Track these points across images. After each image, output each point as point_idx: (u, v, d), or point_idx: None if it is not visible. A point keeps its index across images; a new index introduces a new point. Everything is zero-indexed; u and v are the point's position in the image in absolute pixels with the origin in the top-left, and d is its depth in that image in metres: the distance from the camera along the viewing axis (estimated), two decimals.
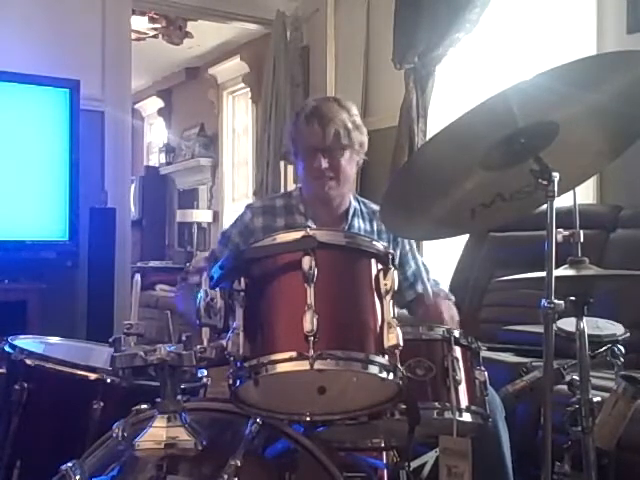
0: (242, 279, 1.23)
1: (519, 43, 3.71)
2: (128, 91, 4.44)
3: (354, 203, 2.13)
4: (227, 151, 7.68)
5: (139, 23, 6.24)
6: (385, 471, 1.53)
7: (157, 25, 6.54)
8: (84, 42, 4.09)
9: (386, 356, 1.20)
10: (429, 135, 3.84)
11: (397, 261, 2.06)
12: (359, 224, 2.10)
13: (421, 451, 1.59)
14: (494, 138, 1.33)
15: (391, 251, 1.28)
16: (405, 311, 2.14)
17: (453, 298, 2.16)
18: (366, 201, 2.18)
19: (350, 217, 2.10)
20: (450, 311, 1.98)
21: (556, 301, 1.30)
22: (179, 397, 1.25)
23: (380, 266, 1.27)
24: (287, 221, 2.09)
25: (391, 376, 1.21)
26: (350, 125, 2.00)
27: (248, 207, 2.17)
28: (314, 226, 2.02)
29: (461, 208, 1.49)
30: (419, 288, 2.13)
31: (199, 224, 7.87)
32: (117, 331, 1.30)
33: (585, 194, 3.14)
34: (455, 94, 3.98)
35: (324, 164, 1.98)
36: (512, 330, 2.60)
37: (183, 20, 6.48)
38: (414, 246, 2.18)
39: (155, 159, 9.08)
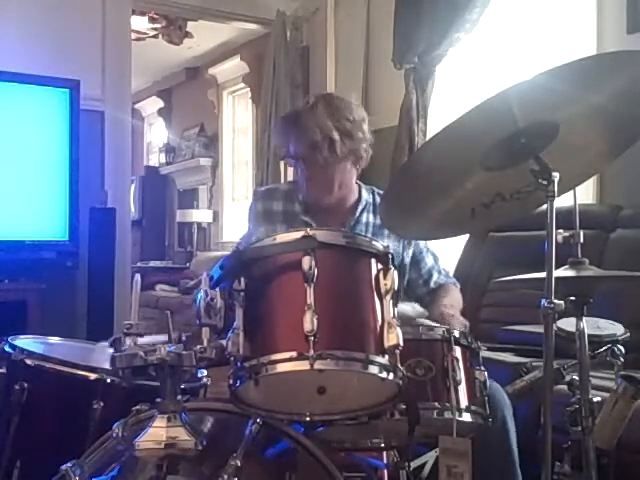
0: (242, 279, 1.23)
1: (519, 43, 3.71)
2: (128, 91, 4.44)
3: (366, 196, 2.07)
4: (227, 151, 7.69)
5: (139, 23, 6.24)
6: (385, 471, 1.53)
7: (157, 25, 6.55)
8: (84, 42, 4.09)
9: (386, 356, 1.20)
10: (429, 135, 3.84)
11: (409, 260, 2.07)
12: (368, 219, 2.05)
13: (421, 451, 1.59)
14: (494, 138, 1.33)
15: (391, 251, 1.28)
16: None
17: (458, 286, 2.16)
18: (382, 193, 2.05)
19: (359, 212, 2.04)
20: (453, 302, 2.00)
21: (556, 301, 1.30)
22: (179, 397, 1.25)
23: (380, 266, 1.26)
24: (285, 207, 2.06)
25: (391, 376, 1.21)
26: (336, 135, 1.87)
27: (253, 194, 2.18)
28: (307, 218, 2.01)
29: (461, 208, 1.49)
30: (432, 283, 2.11)
31: (199, 224, 7.88)
32: (117, 331, 1.30)
33: (585, 194, 3.14)
34: (455, 94, 3.98)
35: (307, 173, 1.93)
36: (512, 330, 2.60)
37: (183, 20, 6.48)
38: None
39: (155, 159, 9.08)
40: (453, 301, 2.01)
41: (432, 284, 2.11)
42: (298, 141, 1.92)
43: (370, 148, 2.00)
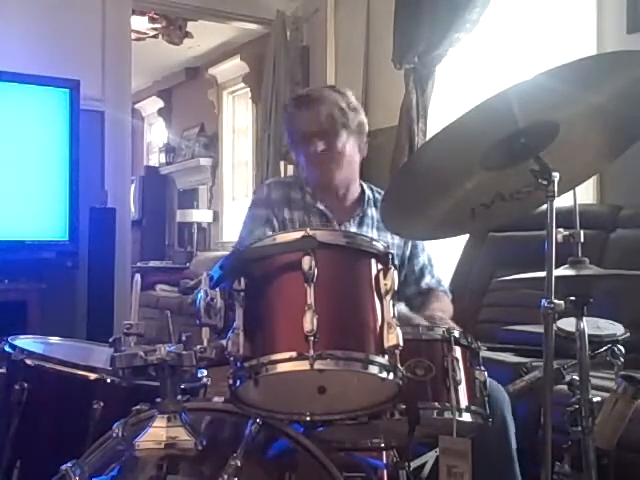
0: (242, 279, 1.23)
1: (519, 43, 3.71)
2: (128, 91, 4.44)
3: (368, 192, 2.10)
4: (227, 151, 7.69)
5: (139, 23, 6.24)
6: (385, 471, 1.53)
7: (157, 25, 6.55)
8: (84, 42, 4.09)
9: (386, 356, 1.20)
10: (429, 135, 3.85)
11: (408, 253, 2.08)
12: (372, 213, 2.08)
13: (421, 451, 1.59)
14: (494, 138, 1.33)
15: (391, 251, 1.28)
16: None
17: (450, 296, 2.16)
18: (381, 190, 2.10)
19: (365, 205, 2.08)
20: (443, 308, 2.00)
21: (556, 301, 1.30)
22: (179, 397, 1.25)
23: (380, 266, 1.26)
24: (302, 196, 2.06)
25: (391, 376, 1.21)
26: (344, 105, 1.98)
27: (262, 185, 2.20)
28: (322, 207, 2.03)
29: (461, 208, 1.49)
30: (423, 284, 2.11)
31: (199, 224, 7.88)
32: (117, 331, 1.30)
33: (585, 194, 3.14)
34: (455, 94, 3.98)
35: (320, 147, 1.95)
36: (512, 330, 2.60)
37: (183, 20, 6.49)
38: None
39: (155, 159, 9.08)
40: (443, 307, 2.01)
41: (423, 284, 2.11)
42: (314, 115, 1.96)
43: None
